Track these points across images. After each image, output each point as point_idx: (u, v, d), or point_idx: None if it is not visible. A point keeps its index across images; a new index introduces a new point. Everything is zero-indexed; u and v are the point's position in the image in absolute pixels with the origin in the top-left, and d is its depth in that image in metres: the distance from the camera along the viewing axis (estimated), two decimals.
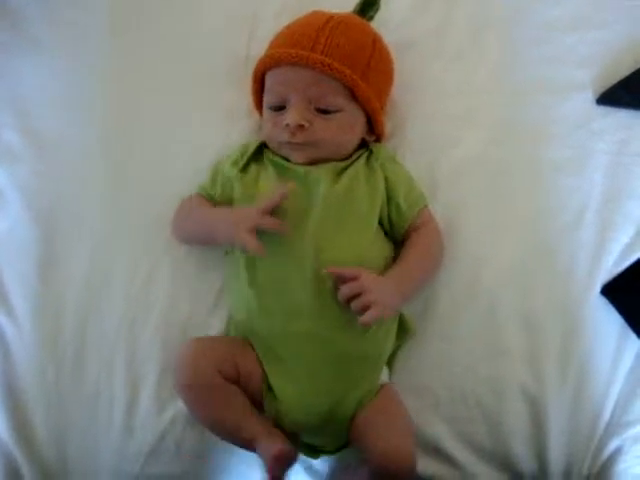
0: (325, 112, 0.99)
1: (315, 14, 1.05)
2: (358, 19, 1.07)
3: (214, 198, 1.06)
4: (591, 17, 1.13)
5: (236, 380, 0.97)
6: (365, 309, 0.91)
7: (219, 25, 1.15)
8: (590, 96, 1.11)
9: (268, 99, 1.04)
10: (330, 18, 1.03)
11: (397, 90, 1.10)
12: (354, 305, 0.92)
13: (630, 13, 1.13)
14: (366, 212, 1.00)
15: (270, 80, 1.03)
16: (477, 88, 1.12)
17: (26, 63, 1.15)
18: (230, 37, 1.14)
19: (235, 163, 1.05)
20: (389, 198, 1.02)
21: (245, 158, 1.05)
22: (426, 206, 1.06)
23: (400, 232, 1.04)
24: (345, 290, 0.93)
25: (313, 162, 1.02)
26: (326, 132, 0.99)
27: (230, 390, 0.96)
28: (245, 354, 0.99)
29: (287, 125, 0.99)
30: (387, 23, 1.13)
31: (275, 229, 0.94)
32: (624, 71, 1.10)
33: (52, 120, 1.13)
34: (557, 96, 1.11)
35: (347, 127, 1.01)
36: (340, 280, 0.94)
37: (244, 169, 1.04)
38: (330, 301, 0.95)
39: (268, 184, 1.01)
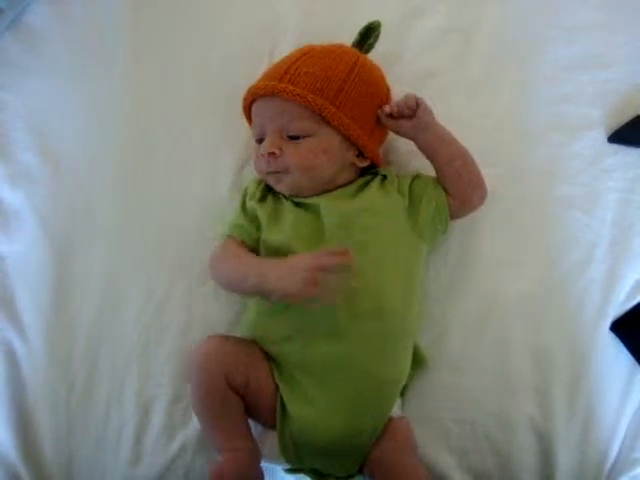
0: (296, 138, 1.00)
1: (301, 48, 1.06)
2: (343, 48, 1.06)
3: (250, 233, 1.04)
4: (602, 56, 1.15)
5: (244, 390, 0.96)
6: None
7: (236, 59, 1.17)
8: (602, 134, 1.12)
9: (253, 133, 1.06)
10: (310, 49, 1.04)
11: None
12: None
13: None
14: (389, 224, 1.01)
15: (252, 115, 1.05)
16: (491, 125, 1.14)
17: (44, 84, 1.17)
18: (248, 70, 1.14)
19: (252, 196, 1.06)
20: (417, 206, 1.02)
21: (260, 189, 1.06)
22: None
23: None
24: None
25: (303, 192, 1.02)
26: (295, 157, 1.00)
27: (231, 402, 0.95)
28: (259, 367, 0.99)
29: (263, 155, 1.01)
30: (402, 57, 1.15)
31: (339, 262, 0.90)
32: (635, 109, 1.12)
33: (69, 141, 1.15)
34: (569, 134, 1.13)
35: (318, 150, 1.00)
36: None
37: (261, 200, 1.05)
38: (356, 323, 0.96)
39: (290, 215, 1.02)
